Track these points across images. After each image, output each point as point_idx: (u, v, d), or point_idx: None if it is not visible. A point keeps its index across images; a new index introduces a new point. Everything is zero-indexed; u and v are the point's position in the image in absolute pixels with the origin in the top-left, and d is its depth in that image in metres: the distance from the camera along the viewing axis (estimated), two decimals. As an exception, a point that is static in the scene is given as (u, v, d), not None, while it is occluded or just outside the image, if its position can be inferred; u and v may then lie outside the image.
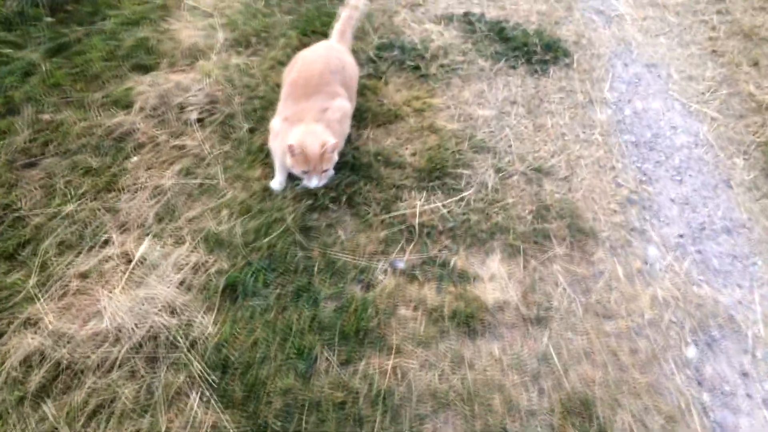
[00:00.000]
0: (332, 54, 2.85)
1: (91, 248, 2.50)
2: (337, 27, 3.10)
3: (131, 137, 2.93)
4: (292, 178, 2.75)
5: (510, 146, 3.03)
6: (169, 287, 2.37)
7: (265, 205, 2.68)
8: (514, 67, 3.46)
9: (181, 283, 2.40)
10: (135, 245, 2.51)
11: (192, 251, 2.51)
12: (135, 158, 2.84)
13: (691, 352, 2.30)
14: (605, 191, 2.85)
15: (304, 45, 3.45)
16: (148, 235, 2.55)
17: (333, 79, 2.75)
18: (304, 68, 2.78)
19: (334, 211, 2.70)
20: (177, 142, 2.91)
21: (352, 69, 2.91)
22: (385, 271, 2.51)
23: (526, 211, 2.74)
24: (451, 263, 2.53)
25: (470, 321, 2.34)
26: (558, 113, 3.21)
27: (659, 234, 2.69)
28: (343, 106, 2.75)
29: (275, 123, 2.72)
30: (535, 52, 3.52)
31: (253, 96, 3.16)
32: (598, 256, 2.58)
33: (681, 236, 2.69)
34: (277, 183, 2.76)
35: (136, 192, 2.71)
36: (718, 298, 2.46)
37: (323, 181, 2.58)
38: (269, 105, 3.10)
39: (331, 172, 2.77)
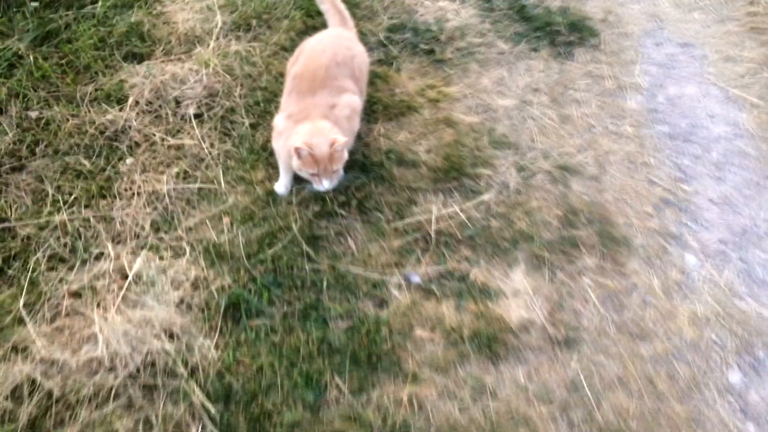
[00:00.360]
0: (341, 43, 2.61)
1: (84, 262, 2.33)
2: (330, 12, 2.85)
3: (125, 136, 2.72)
4: (298, 180, 2.55)
5: (533, 141, 2.80)
6: (167, 307, 2.20)
7: (269, 212, 2.49)
8: (536, 50, 3.19)
9: (181, 301, 2.23)
10: (131, 259, 2.33)
11: (191, 264, 2.33)
12: (129, 160, 2.64)
13: (734, 376, 2.11)
14: (638, 191, 2.62)
15: (309, 27, 3.21)
16: (144, 247, 2.37)
17: (341, 72, 2.52)
18: (309, 60, 2.54)
19: (343, 218, 2.50)
20: (174, 141, 2.70)
21: (362, 59, 2.67)
22: (400, 285, 2.32)
23: (552, 216, 2.52)
24: (471, 276, 2.33)
25: (492, 343, 2.15)
26: (585, 102, 2.96)
27: (697, 239, 2.48)
28: (353, 102, 2.52)
29: (278, 120, 2.50)
30: (558, 32, 3.25)
31: (254, 87, 2.93)
32: (632, 267, 2.38)
33: (721, 242, 2.47)
34: (281, 186, 2.55)
35: (131, 198, 2.52)
36: (763, 313, 2.26)
37: (334, 183, 2.38)
38: (272, 97, 2.87)
39: (341, 172, 2.57)
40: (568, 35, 3.25)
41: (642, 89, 3.04)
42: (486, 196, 2.57)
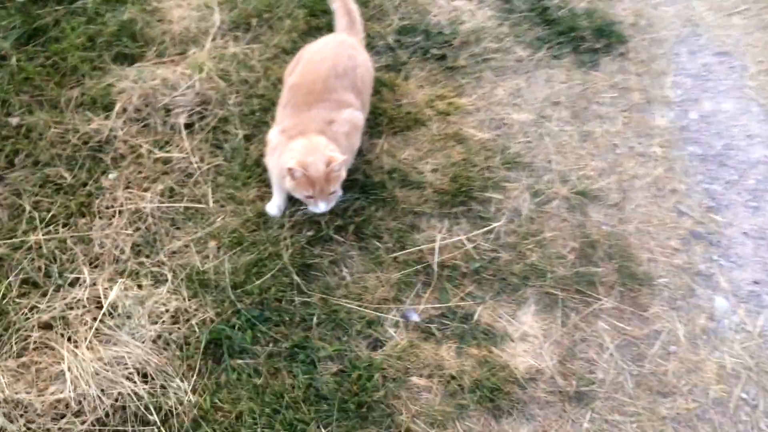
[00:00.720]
0: (342, 52, 2.39)
1: (58, 288, 2.17)
2: (339, 11, 2.62)
3: (110, 147, 2.54)
4: (292, 200, 2.35)
5: (550, 161, 2.56)
6: (142, 344, 2.03)
7: (259, 236, 2.30)
8: (557, 57, 2.93)
9: (158, 337, 2.06)
10: (107, 286, 2.16)
11: (172, 294, 2.15)
12: (113, 174, 2.46)
13: (765, 443, 1.89)
14: (664, 222, 2.38)
15: (313, 28, 3.00)
16: (122, 273, 2.20)
17: (341, 85, 2.31)
18: (307, 71, 2.33)
19: (339, 244, 2.30)
20: (161, 154, 2.52)
21: (366, 69, 2.45)
22: (397, 323, 2.13)
23: (568, 249, 2.30)
24: (475, 316, 2.13)
25: (495, 395, 1.95)
26: (609, 118, 2.71)
27: (729, 279, 2.24)
28: (353, 117, 2.31)
29: (272, 135, 2.31)
30: (583, 38, 2.98)
31: (251, 94, 2.73)
32: (654, 311, 2.15)
33: (756, 282, 2.23)
34: (274, 207, 2.36)
35: (112, 218, 2.35)
36: (800, 370, 2.03)
37: (331, 205, 2.18)
38: (269, 105, 2.67)
39: (340, 192, 2.36)
40: (594, 41, 2.98)
41: (673, 104, 2.78)
42: (495, 224, 2.35)
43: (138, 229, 2.33)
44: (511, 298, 2.18)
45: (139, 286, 2.17)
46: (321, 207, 2.14)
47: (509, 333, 2.10)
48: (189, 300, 2.14)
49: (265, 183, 2.44)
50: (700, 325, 2.13)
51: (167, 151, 2.54)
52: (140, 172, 2.48)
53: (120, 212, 2.36)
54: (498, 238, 2.32)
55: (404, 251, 2.27)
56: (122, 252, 2.26)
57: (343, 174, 2.17)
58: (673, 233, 2.35)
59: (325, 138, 2.17)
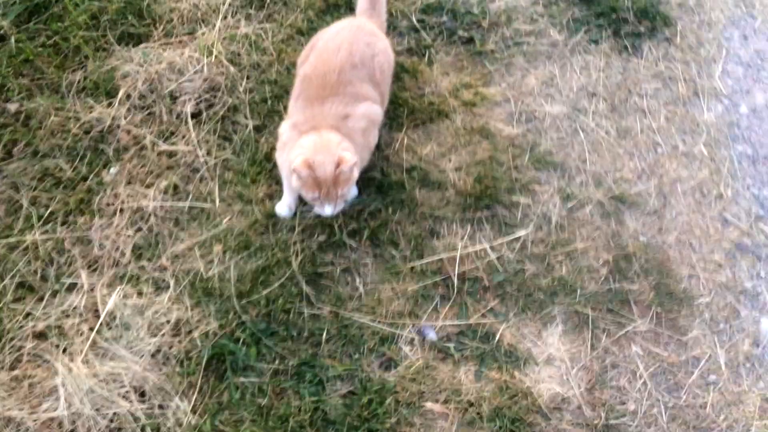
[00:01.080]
0: (359, 39, 2.18)
1: (54, 294, 2.06)
2: None
3: (112, 137, 2.40)
4: (303, 200, 2.18)
5: (584, 161, 2.35)
6: (140, 359, 1.92)
7: (268, 240, 2.16)
8: (596, 42, 2.68)
9: (157, 350, 1.94)
10: (106, 293, 2.04)
11: (174, 303, 2.03)
12: (114, 169, 2.32)
13: (812, 489, 1.72)
14: (707, 233, 2.18)
15: (331, 6, 2.78)
16: (122, 277, 2.07)
17: (358, 76, 2.11)
18: (320, 60, 2.13)
19: (352, 251, 2.14)
20: (166, 147, 2.36)
21: (386, 58, 2.25)
22: (412, 341, 1.98)
23: (600, 262, 2.11)
24: (497, 335, 1.97)
25: (516, 426, 1.81)
26: (651, 112, 2.48)
27: (778, 300, 2.04)
28: (370, 113, 2.12)
29: (283, 128, 2.13)
30: (625, 20, 2.72)
31: (262, 80, 2.54)
32: (693, 335, 1.97)
33: (807, 304, 2.03)
34: (284, 207, 2.20)
35: (112, 216, 2.21)
36: None
37: (339, 207, 2.01)
38: (283, 93, 2.48)
39: (353, 191, 2.20)
40: (637, 24, 2.71)
41: (722, 96, 2.53)
42: (522, 232, 2.16)
43: (139, 229, 2.19)
44: (537, 316, 2.02)
45: (139, 293, 2.05)
46: (327, 211, 1.97)
47: (533, 355, 1.94)
48: (191, 310, 2.02)
49: (276, 180, 2.28)
50: (743, 351, 1.95)
51: (172, 143, 2.38)
52: (143, 166, 2.33)
53: (121, 210, 2.23)
54: (524, 248, 2.14)
55: (422, 260, 2.11)
56: (122, 254, 2.13)
57: (356, 175, 1.99)
58: (716, 246, 2.15)
59: (338, 134, 1.99)
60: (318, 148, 1.92)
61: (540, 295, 2.05)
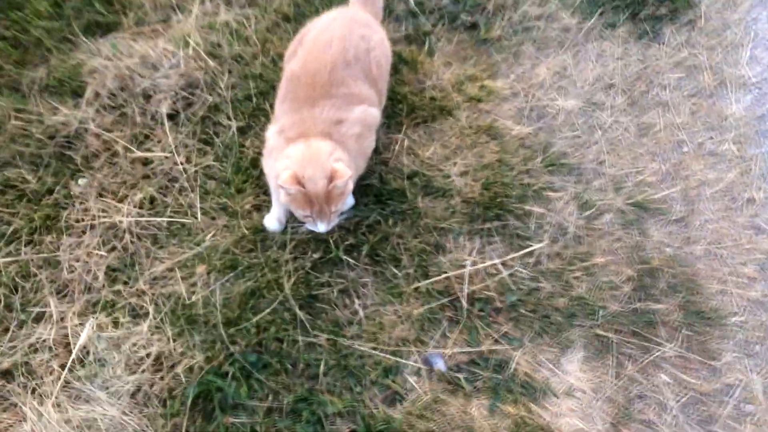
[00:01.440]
0: (353, 31, 1.93)
1: (21, 324, 1.85)
2: None
3: (80, 143, 2.16)
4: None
5: (602, 163, 2.14)
6: (118, 400, 1.73)
7: (256, 259, 1.95)
8: (612, 26, 2.44)
9: (137, 390, 1.75)
10: (78, 323, 1.84)
11: (154, 333, 1.83)
12: (83, 180, 2.09)
13: None
14: (738, 242, 1.99)
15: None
16: (96, 304, 1.87)
17: (352, 74, 1.88)
18: (310, 57, 1.89)
19: (351, 269, 1.94)
20: (140, 154, 2.13)
21: (382, 51, 2.01)
22: (419, 371, 1.80)
23: (623, 278, 1.93)
24: (512, 364, 1.79)
25: (536, 468, 1.64)
26: (673, 105, 2.26)
27: (815, 317, 1.87)
28: (367, 116, 1.90)
29: (270, 133, 1.90)
30: (644, 1, 2.47)
31: (245, 74, 2.30)
32: (726, 360, 1.80)
33: None
34: (273, 220, 1.99)
35: (83, 234, 2.00)
36: None
37: (333, 223, 1.80)
38: (269, 89, 2.25)
39: (349, 201, 1.99)
40: (657, 6, 2.47)
41: (750, 86, 2.31)
42: (536, 246, 1.96)
43: (113, 248, 1.98)
44: (555, 341, 1.83)
45: (115, 323, 1.85)
46: (320, 228, 1.75)
47: (552, 386, 1.77)
48: (173, 341, 1.82)
49: (264, 189, 2.06)
50: (781, 377, 1.78)
51: (147, 149, 2.15)
52: (115, 176, 2.11)
53: (92, 227, 2.01)
54: (539, 263, 1.95)
55: (428, 280, 1.91)
56: (95, 278, 1.93)
57: (350, 188, 1.77)
58: (748, 257, 1.96)
59: (330, 142, 1.77)
60: (307, 159, 1.70)
61: (557, 316, 1.86)
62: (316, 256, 1.95)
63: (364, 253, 1.95)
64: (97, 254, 1.96)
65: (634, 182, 2.10)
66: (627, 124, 2.21)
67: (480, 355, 1.81)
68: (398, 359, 1.81)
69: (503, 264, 1.94)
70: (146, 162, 2.13)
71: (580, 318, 1.86)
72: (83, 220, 2.02)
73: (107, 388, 1.74)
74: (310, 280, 1.92)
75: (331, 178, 1.66)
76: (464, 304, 1.87)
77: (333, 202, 1.70)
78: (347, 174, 1.67)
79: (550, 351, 1.82)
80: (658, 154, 2.15)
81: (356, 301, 1.90)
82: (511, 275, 1.92)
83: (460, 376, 1.78)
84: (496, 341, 1.83)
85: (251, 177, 2.10)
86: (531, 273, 1.93)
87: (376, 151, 2.09)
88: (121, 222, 2.01)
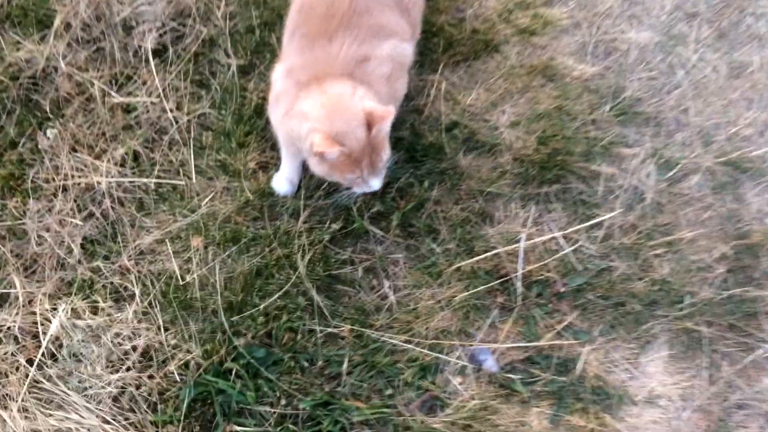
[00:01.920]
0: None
1: (-19, 309, 1.53)
2: None
3: (49, 85, 1.81)
4: (307, 169, 1.61)
5: (685, 111, 1.77)
6: (98, 405, 1.43)
7: (263, 230, 1.62)
8: (694, -60, 2.01)
9: (121, 392, 1.45)
10: (49, 307, 1.52)
11: (141, 320, 1.51)
12: (52, 131, 1.75)
13: None
14: None
15: None
16: (71, 283, 1.55)
17: (377, 1, 1.50)
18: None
19: (378, 242, 1.61)
20: (120, 99, 1.77)
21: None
22: (463, 369, 1.48)
23: (715, 257, 1.59)
24: (579, 363, 1.47)
25: (611, 496, 1.34)
26: (773, 39, 1.87)
27: None
28: (397, 53, 1.55)
29: (277, 75, 1.53)
30: None
31: (247, 0, 1.90)
32: None
33: None
34: (283, 181, 1.66)
35: (53, 198, 1.67)
36: None
37: (383, 176, 1.47)
38: (276, 19, 1.87)
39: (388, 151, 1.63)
40: None
41: None
42: (605, 216, 1.61)
43: (90, 215, 1.66)
44: (632, 335, 1.52)
45: (94, 309, 1.54)
46: (375, 185, 1.45)
47: (630, 392, 1.46)
48: (165, 331, 1.51)
49: (271, 143, 1.71)
50: None
51: (129, 93, 1.79)
52: (92, 126, 1.76)
53: (64, 189, 1.69)
54: (610, 236, 1.61)
55: (472, 257, 1.57)
56: (69, 252, 1.61)
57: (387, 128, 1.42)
58: None
59: (348, 81, 1.39)
60: (330, 111, 1.36)
61: (635, 304, 1.53)
62: (335, 226, 1.61)
63: (394, 223, 1.63)
64: (71, 222, 1.63)
65: (726, 135, 1.74)
66: (715, 62, 1.84)
67: (539, 352, 1.50)
68: (438, 355, 1.49)
69: (565, 238, 1.60)
70: (128, 109, 1.78)
71: (663, 307, 1.54)
72: (53, 180, 1.69)
73: (84, 389, 1.45)
74: (329, 256, 1.59)
75: (369, 123, 1.33)
76: (518, 287, 1.54)
77: (380, 149, 1.40)
78: (389, 113, 1.35)
79: (626, 348, 1.51)
80: (755, 101, 1.80)
81: (385, 282, 1.59)
82: (575, 252, 1.59)
83: (515, 377, 1.47)
84: (559, 334, 1.51)
85: (255, 128, 1.75)
86: (600, 249, 1.60)
87: (407, 96, 1.72)
88: (99, 183, 1.67)
